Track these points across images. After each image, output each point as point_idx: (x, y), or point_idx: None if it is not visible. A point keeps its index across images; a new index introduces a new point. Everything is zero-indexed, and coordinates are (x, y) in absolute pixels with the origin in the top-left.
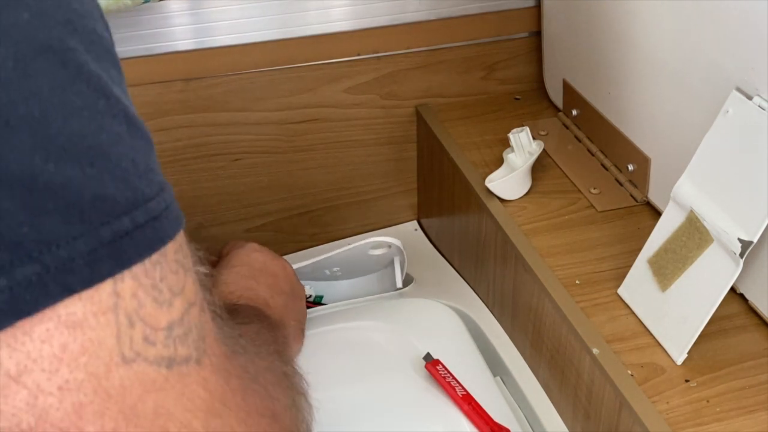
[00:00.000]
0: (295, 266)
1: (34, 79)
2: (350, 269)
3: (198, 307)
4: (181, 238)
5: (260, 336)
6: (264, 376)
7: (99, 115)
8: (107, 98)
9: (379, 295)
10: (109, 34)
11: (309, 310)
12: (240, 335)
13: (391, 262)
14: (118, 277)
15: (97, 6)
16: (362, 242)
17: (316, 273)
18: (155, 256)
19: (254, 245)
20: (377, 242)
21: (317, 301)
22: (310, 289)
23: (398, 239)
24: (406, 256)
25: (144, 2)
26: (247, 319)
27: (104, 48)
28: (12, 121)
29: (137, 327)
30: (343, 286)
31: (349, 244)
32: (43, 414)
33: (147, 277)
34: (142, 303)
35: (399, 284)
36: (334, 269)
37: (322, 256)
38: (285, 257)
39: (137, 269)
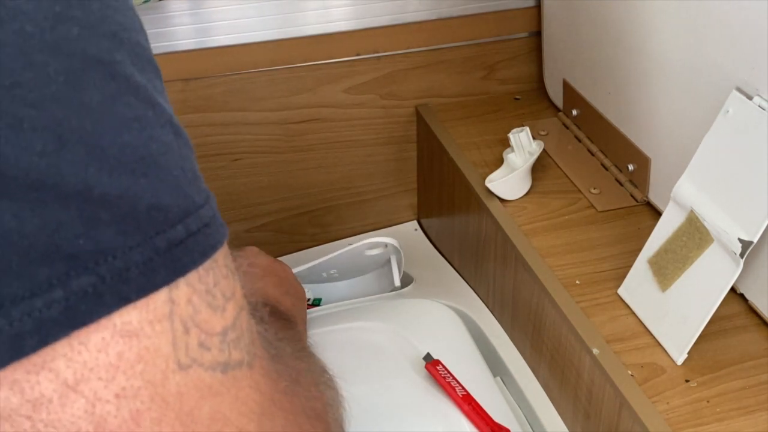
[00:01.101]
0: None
1: (86, 93)
2: (347, 271)
3: (246, 311)
4: (226, 244)
5: (290, 334)
6: (304, 378)
7: (148, 125)
8: (154, 108)
9: (378, 296)
10: (149, 44)
11: (308, 311)
12: (279, 339)
13: (388, 261)
14: (173, 284)
15: (138, 18)
16: (358, 244)
17: (313, 276)
18: (208, 263)
19: (254, 249)
20: (373, 243)
21: (316, 304)
22: (308, 292)
23: (394, 238)
24: (402, 254)
25: (144, 2)
26: (271, 318)
27: (147, 59)
28: (65, 135)
29: (192, 333)
30: (341, 287)
31: (347, 244)
32: (101, 422)
33: (201, 282)
34: (198, 309)
35: (397, 283)
36: (331, 271)
37: (318, 260)
38: (285, 257)
39: (191, 275)
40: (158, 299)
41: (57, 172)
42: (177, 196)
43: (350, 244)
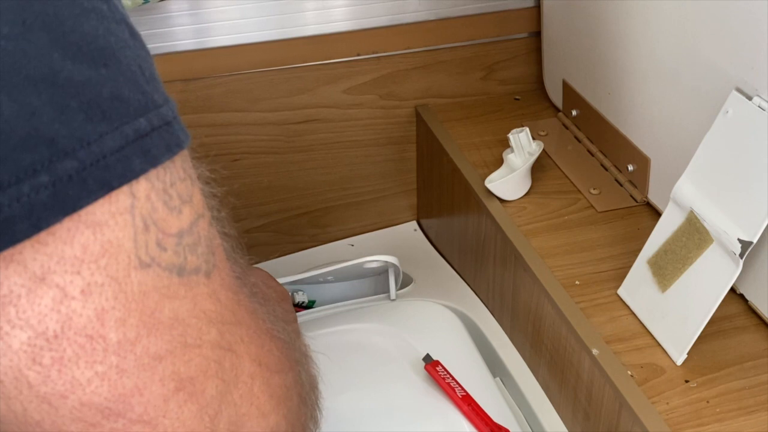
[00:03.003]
0: (288, 278)
1: None
2: (344, 276)
3: (206, 220)
4: (185, 152)
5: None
6: (272, 306)
7: (105, 19)
8: (108, 4)
9: (375, 296)
10: None
11: (306, 312)
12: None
13: (386, 271)
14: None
15: None
16: (358, 261)
17: (308, 278)
18: (165, 162)
19: None
20: (373, 260)
21: (309, 306)
22: (303, 294)
23: (394, 239)
24: (401, 271)
25: (144, 2)
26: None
27: None
28: (29, 20)
29: (151, 231)
30: (336, 289)
31: (347, 245)
32: (67, 320)
33: (158, 180)
34: (155, 206)
35: (393, 297)
36: (328, 277)
37: (314, 272)
38: (284, 258)
39: (150, 172)
40: (120, 192)
41: (23, 56)
42: (136, 91)
43: (350, 245)
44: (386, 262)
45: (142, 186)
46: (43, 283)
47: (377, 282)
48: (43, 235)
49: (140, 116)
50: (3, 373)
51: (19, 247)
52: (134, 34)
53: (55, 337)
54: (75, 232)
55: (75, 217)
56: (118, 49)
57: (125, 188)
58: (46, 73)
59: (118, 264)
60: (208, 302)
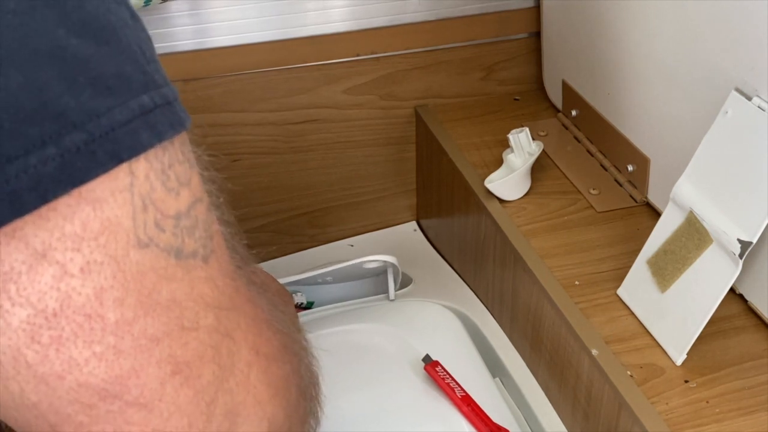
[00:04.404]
0: (287, 279)
1: None
2: (342, 277)
3: (204, 204)
4: (185, 135)
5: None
6: (271, 297)
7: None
8: None
9: (375, 297)
10: None
11: (305, 312)
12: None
13: (385, 271)
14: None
15: None
16: (357, 261)
17: (307, 279)
18: (165, 143)
19: None
20: (372, 260)
21: (308, 307)
22: (302, 296)
23: (393, 240)
24: (400, 271)
25: (144, 5)
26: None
27: None
28: None
29: (150, 210)
30: (334, 290)
31: (346, 245)
32: (67, 298)
33: (157, 160)
34: (154, 186)
35: (392, 297)
36: (327, 277)
37: (315, 272)
38: (284, 258)
39: (148, 152)
40: (120, 169)
41: (30, 31)
42: (137, 70)
43: (350, 245)
44: (385, 262)
45: (141, 165)
46: (44, 260)
47: (376, 282)
48: (44, 210)
49: (143, 93)
50: (2, 352)
51: (20, 222)
52: (135, 16)
53: (54, 315)
54: (75, 209)
55: (75, 193)
56: (119, 28)
57: (124, 166)
58: (53, 47)
59: (117, 242)
60: (206, 287)
